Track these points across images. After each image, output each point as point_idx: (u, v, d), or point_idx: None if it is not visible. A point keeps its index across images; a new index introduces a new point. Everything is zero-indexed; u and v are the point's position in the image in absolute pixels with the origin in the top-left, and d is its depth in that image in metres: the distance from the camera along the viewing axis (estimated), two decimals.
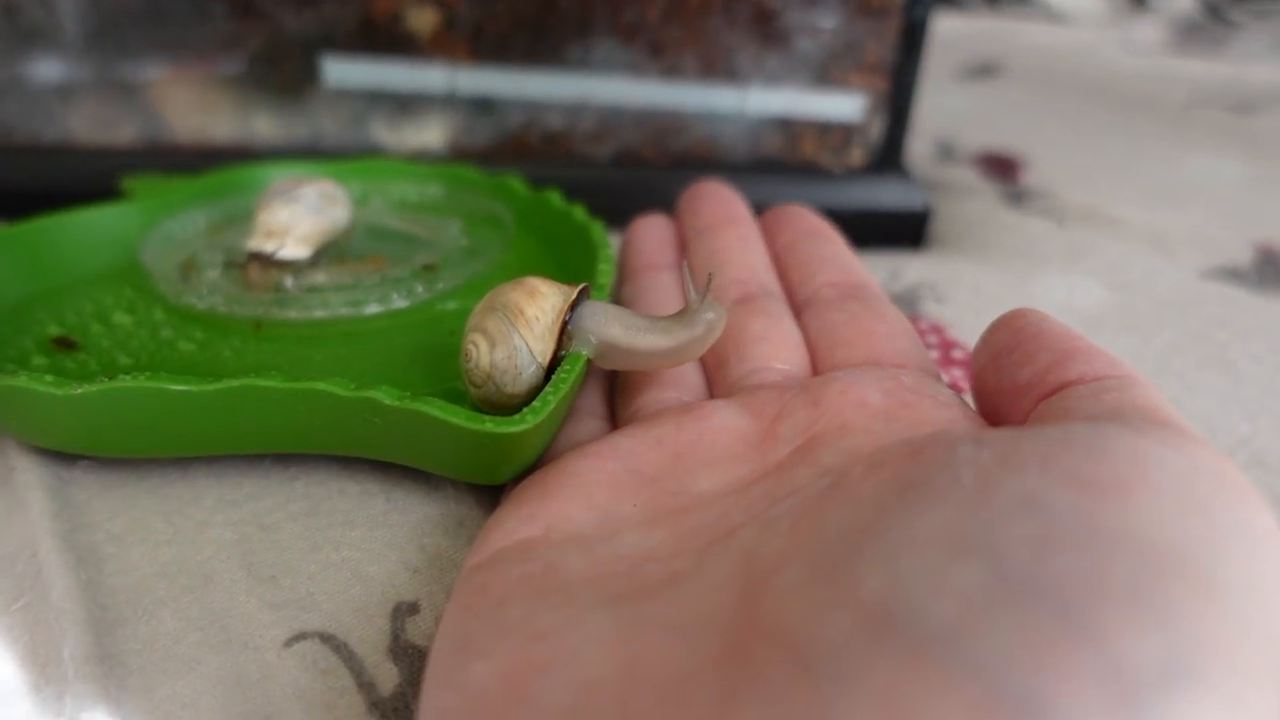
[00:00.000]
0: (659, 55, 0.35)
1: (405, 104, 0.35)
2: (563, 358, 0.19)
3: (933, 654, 0.10)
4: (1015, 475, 0.12)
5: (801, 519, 0.14)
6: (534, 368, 0.18)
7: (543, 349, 0.18)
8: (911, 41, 0.34)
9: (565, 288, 0.19)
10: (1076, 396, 0.16)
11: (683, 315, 0.20)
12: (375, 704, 0.16)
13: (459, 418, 0.17)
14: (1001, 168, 0.44)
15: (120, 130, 0.35)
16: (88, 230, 0.27)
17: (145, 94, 0.35)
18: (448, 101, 0.35)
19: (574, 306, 0.19)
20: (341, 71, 0.34)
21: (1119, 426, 0.14)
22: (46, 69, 0.34)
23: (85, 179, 0.33)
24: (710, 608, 0.13)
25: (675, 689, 0.12)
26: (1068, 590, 0.10)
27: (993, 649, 0.10)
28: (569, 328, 0.19)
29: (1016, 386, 0.17)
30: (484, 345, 0.18)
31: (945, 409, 0.18)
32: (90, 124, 0.35)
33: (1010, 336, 0.18)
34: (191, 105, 0.35)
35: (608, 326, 0.19)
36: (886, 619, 0.11)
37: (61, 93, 0.34)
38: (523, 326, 0.18)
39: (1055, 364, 0.17)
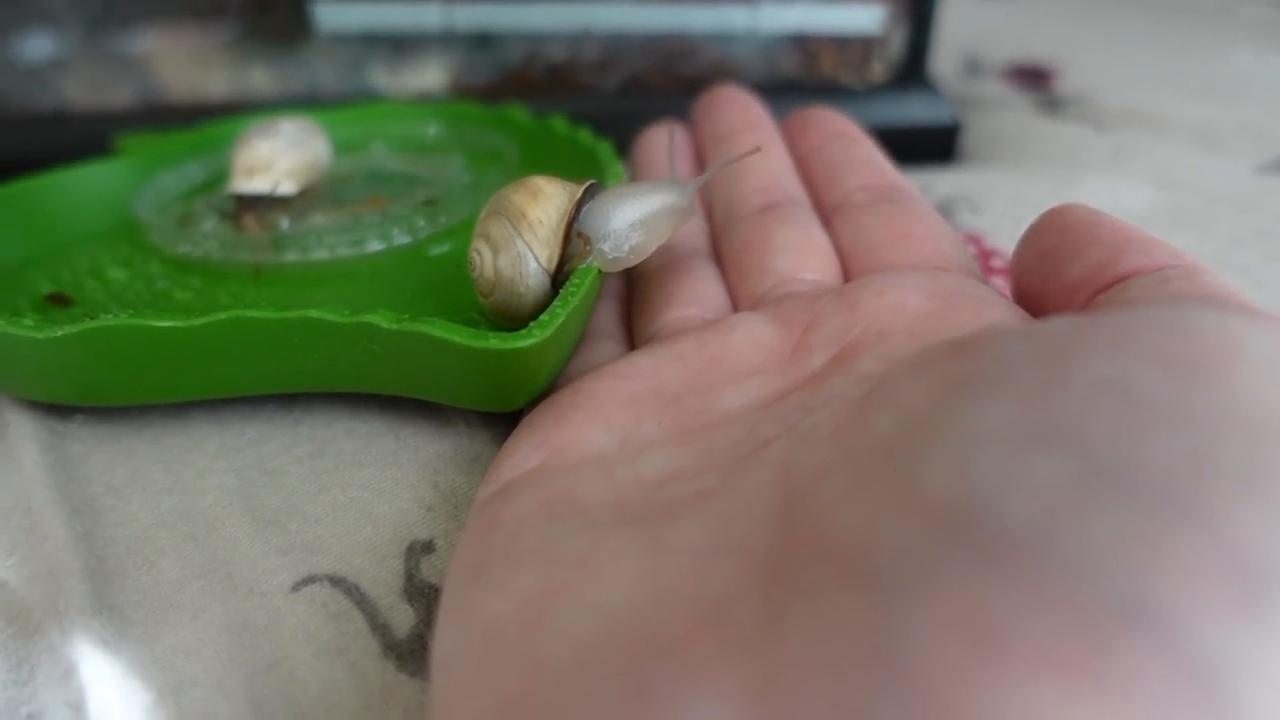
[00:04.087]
0: None
1: (402, 45, 0.34)
2: (572, 269, 0.17)
3: (1016, 555, 0.08)
4: (1090, 358, 0.10)
5: (842, 426, 0.13)
6: (539, 274, 0.17)
7: (548, 255, 0.17)
8: None
9: (571, 185, 0.18)
10: (1139, 287, 0.15)
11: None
12: (390, 646, 0.15)
13: (461, 336, 0.16)
14: (1033, 78, 0.41)
15: (115, 93, 0.34)
16: (81, 189, 0.26)
17: (139, 56, 0.34)
18: (445, 40, 0.33)
19: (579, 206, 0.17)
20: (334, 15, 0.33)
21: (1200, 305, 0.12)
22: (38, 39, 0.33)
23: (83, 144, 0.32)
24: (746, 523, 0.12)
25: (711, 611, 0.10)
26: (1171, 476, 0.09)
27: (1088, 546, 0.08)
28: (577, 229, 0.17)
29: (1067, 285, 0.16)
30: (487, 252, 0.17)
31: (993, 308, 0.16)
32: (85, 89, 0.34)
33: (1057, 234, 0.17)
34: (186, 64, 0.34)
35: (617, 210, 0.18)
36: (957, 520, 0.09)
37: (54, 61, 0.33)
38: (525, 231, 0.17)
39: (1111, 257, 0.15)
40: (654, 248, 0.18)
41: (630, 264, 0.18)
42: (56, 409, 0.20)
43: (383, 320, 0.16)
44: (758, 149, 0.21)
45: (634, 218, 0.18)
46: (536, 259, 0.17)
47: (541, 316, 0.16)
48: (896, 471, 0.10)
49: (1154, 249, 0.15)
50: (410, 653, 0.15)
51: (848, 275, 0.20)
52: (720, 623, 0.10)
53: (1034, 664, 0.08)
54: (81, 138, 0.33)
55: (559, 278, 0.18)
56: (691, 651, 0.10)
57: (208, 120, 0.30)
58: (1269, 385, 0.10)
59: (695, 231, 0.22)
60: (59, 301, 0.22)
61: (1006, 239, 0.27)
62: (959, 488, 0.09)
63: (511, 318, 0.18)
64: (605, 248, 0.18)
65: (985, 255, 0.26)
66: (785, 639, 0.09)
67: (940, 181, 0.31)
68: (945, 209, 0.29)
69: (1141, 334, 0.11)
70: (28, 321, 0.17)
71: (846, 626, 0.09)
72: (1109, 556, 0.08)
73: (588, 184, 0.18)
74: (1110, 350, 0.10)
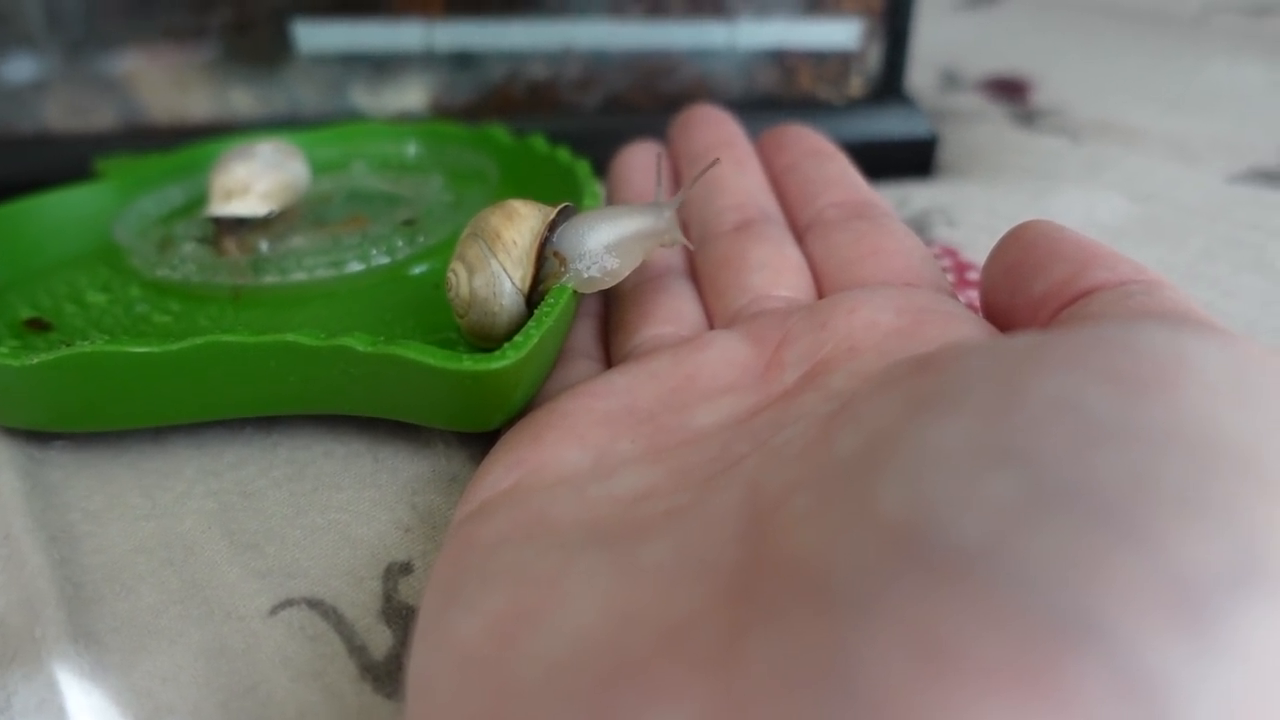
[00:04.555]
0: None
1: (382, 66, 0.34)
2: (547, 289, 0.18)
3: (965, 572, 0.09)
4: (1043, 377, 0.11)
5: (809, 444, 0.13)
6: (514, 294, 0.17)
7: (521, 274, 0.17)
8: None
9: (546, 208, 0.18)
10: (1100, 302, 0.15)
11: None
12: (368, 668, 0.15)
13: (435, 358, 0.16)
14: (1009, 90, 0.42)
15: (97, 116, 0.34)
16: (60, 212, 0.26)
17: (120, 78, 0.34)
18: (426, 60, 0.34)
19: (553, 226, 0.18)
20: (314, 36, 0.33)
21: (1154, 323, 0.12)
22: (19, 62, 0.33)
23: (64, 167, 0.32)
24: (713, 543, 0.12)
25: (677, 630, 0.11)
26: (1114, 494, 0.09)
27: (1034, 563, 0.08)
28: (551, 249, 0.18)
29: (1032, 300, 0.16)
30: (463, 273, 0.17)
31: (963, 324, 0.17)
32: (66, 112, 0.34)
33: (1022, 249, 0.17)
34: (166, 85, 0.34)
35: (592, 232, 0.18)
36: (910, 538, 0.09)
37: (35, 83, 0.33)
38: (500, 251, 0.17)
39: (1074, 273, 0.15)
40: (628, 271, 0.18)
41: (605, 286, 0.18)
42: (35, 435, 0.20)
43: (358, 343, 0.16)
44: (717, 160, 0.21)
45: (609, 240, 0.18)
46: (510, 279, 0.17)
47: (516, 337, 0.16)
48: (856, 490, 0.10)
49: (1116, 264, 0.15)
50: (388, 674, 0.15)
51: (821, 292, 0.20)
52: (684, 643, 0.10)
53: (982, 681, 0.08)
54: (63, 160, 0.33)
55: (534, 298, 0.18)
56: (655, 672, 0.10)
57: (188, 142, 0.30)
58: (1214, 402, 0.10)
59: (672, 249, 0.23)
60: (38, 327, 0.22)
61: (982, 252, 0.27)
62: (913, 506, 0.10)
63: (487, 337, 0.18)
64: (580, 268, 0.18)
65: (961, 268, 0.27)
66: (747, 659, 0.09)
67: (918, 195, 0.32)
68: (922, 222, 0.30)
69: (1094, 352, 0.11)
70: (3, 349, 0.17)
71: (805, 646, 0.09)
72: (1053, 573, 0.08)
73: (561, 206, 0.18)
74: (1063, 368, 0.11)
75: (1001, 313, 0.17)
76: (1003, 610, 0.08)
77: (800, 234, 0.22)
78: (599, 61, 0.34)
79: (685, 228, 0.24)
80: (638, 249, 0.19)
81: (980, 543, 0.09)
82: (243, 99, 0.34)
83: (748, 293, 0.20)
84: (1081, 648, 0.08)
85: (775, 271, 0.20)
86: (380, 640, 0.16)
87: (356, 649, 0.15)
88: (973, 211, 0.30)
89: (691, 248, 0.21)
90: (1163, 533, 0.08)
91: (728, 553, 0.12)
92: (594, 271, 0.18)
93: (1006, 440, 0.10)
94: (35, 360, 0.17)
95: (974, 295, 0.25)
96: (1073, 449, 0.09)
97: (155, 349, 0.17)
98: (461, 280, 0.18)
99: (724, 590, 0.11)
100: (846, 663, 0.08)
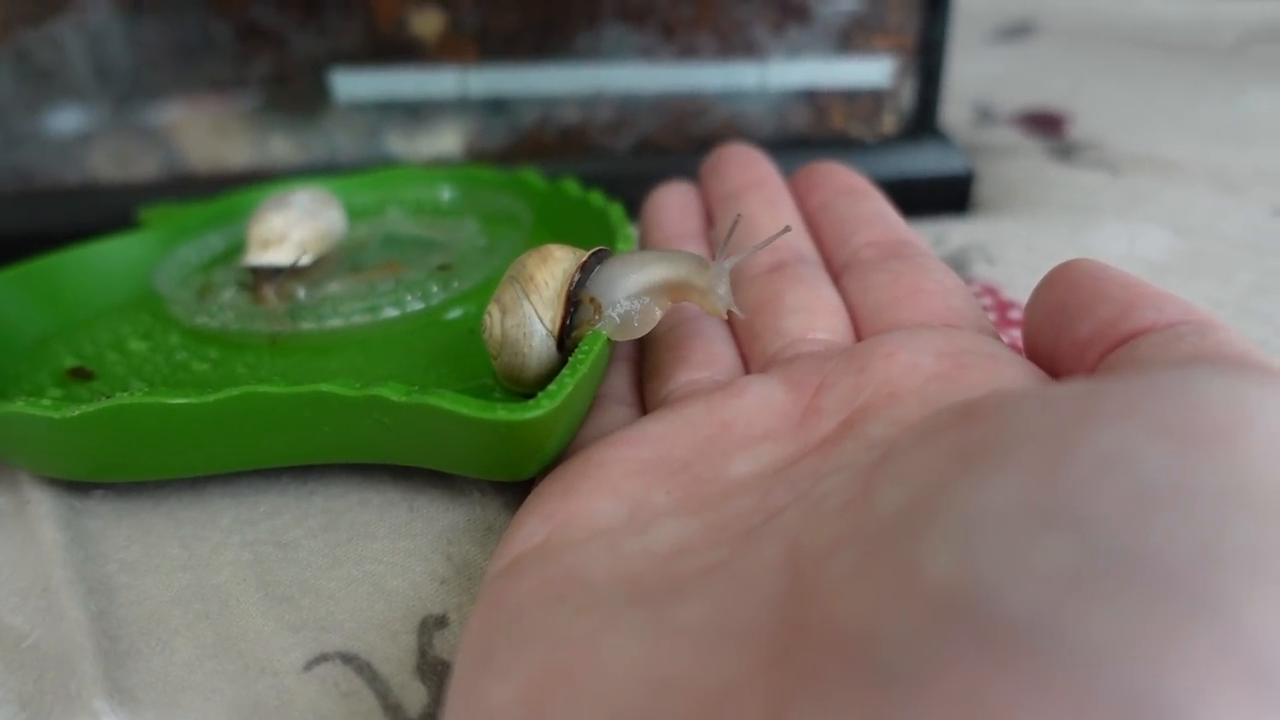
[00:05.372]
0: (672, 36, 0.33)
1: (417, 112, 0.34)
2: (581, 335, 0.17)
3: (1019, 645, 0.08)
4: (1095, 431, 0.10)
5: (849, 499, 0.13)
6: (544, 337, 0.17)
7: (551, 316, 0.17)
8: None
9: (580, 251, 0.18)
10: (1149, 345, 0.14)
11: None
12: None
13: (469, 408, 0.16)
14: (1045, 124, 0.41)
15: (140, 165, 0.35)
16: (104, 262, 0.27)
17: (163, 129, 0.35)
18: (460, 105, 0.34)
19: (585, 268, 0.18)
20: (351, 85, 0.34)
21: (1209, 370, 0.12)
22: (64, 114, 0.34)
23: (109, 217, 0.32)
24: (751, 604, 0.12)
25: (716, 700, 0.10)
26: (1177, 562, 0.08)
27: (1092, 637, 0.08)
28: (586, 294, 0.18)
29: (1077, 343, 0.15)
30: (497, 314, 0.18)
31: (1008, 368, 0.16)
32: (110, 162, 0.35)
33: (1065, 290, 0.16)
34: (208, 135, 0.35)
35: (625, 278, 0.18)
36: (958, 606, 0.09)
37: (81, 135, 0.34)
38: (533, 293, 0.17)
39: (1120, 315, 0.15)
40: (658, 318, 0.18)
41: (639, 334, 0.18)
42: (76, 485, 0.20)
43: (392, 393, 0.16)
44: (788, 229, 0.19)
45: (643, 285, 0.18)
46: (541, 320, 0.17)
47: (550, 386, 0.16)
48: (900, 552, 0.10)
49: (1164, 304, 0.15)
50: None
51: (859, 334, 0.20)
52: (722, 713, 0.10)
53: None
54: (108, 210, 0.33)
55: (565, 341, 0.18)
56: None
57: (229, 189, 0.31)
58: (1279, 457, 0.09)
59: None
60: (81, 375, 0.22)
61: (1023, 289, 0.27)
62: (960, 572, 0.09)
63: (518, 380, 0.18)
64: (615, 314, 0.18)
65: (1002, 307, 0.26)
66: None
67: (955, 232, 0.31)
68: (960, 260, 0.29)
69: (1147, 404, 0.10)
70: (46, 402, 0.17)
71: None
72: (1116, 649, 0.08)
73: (595, 250, 0.18)
74: (1115, 422, 0.10)
75: (1045, 355, 0.17)
76: (1062, 688, 0.08)
77: (836, 274, 0.22)
78: (630, 104, 0.34)
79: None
80: (672, 297, 0.18)
81: (1034, 614, 0.08)
82: (282, 147, 0.35)
83: (784, 336, 0.19)
84: None
85: (811, 314, 0.20)
86: (415, 698, 0.15)
87: (390, 706, 0.15)
88: (1012, 248, 0.30)
89: (742, 316, 0.19)
90: (1235, 604, 0.08)
91: (766, 615, 0.11)
92: (628, 318, 0.18)
93: (1057, 500, 0.09)
94: (76, 412, 0.17)
95: (1017, 335, 0.24)
96: (1128, 511, 0.09)
97: (192, 400, 0.17)
98: (495, 321, 0.18)
99: (763, 656, 0.10)
100: None
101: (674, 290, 0.18)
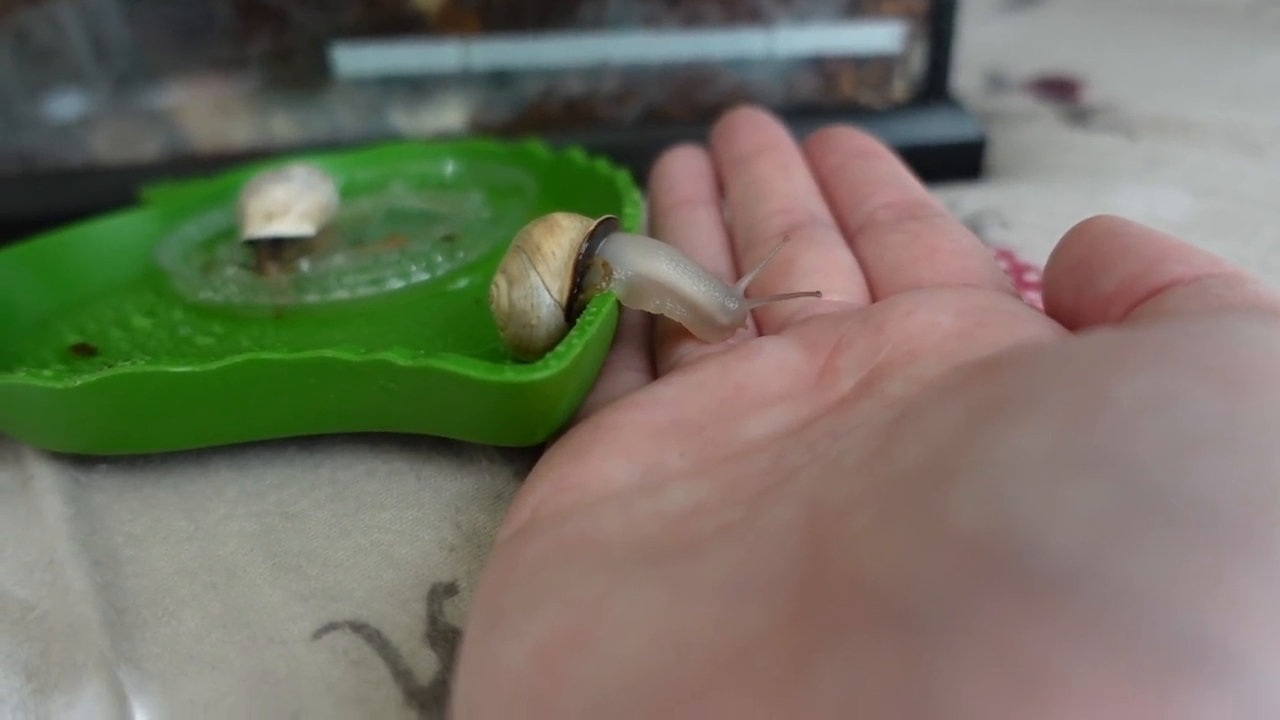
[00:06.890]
0: (676, 4, 0.33)
1: (420, 86, 0.34)
2: (588, 299, 0.17)
3: (1059, 590, 0.08)
4: (1128, 375, 0.10)
5: (868, 456, 0.12)
6: (552, 306, 0.17)
7: (559, 286, 0.17)
8: None
9: (587, 220, 0.18)
10: (1178, 297, 0.14)
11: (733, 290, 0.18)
12: (413, 694, 0.15)
13: (476, 370, 0.15)
14: (1059, 89, 0.40)
15: (142, 146, 0.35)
16: (106, 240, 0.26)
17: (164, 109, 0.34)
18: (463, 79, 0.34)
19: (592, 237, 0.17)
20: (353, 59, 0.33)
21: (1244, 317, 0.11)
22: (68, 97, 0.34)
23: (112, 197, 0.32)
24: (770, 561, 0.11)
25: (736, 656, 0.10)
26: (1224, 502, 0.08)
27: (1134, 579, 0.08)
28: (599, 258, 0.17)
29: (1100, 299, 0.15)
30: (504, 285, 0.17)
31: (1029, 324, 0.16)
32: (113, 143, 0.35)
33: (1087, 245, 0.16)
34: (210, 114, 0.35)
35: (646, 259, 0.17)
36: (991, 555, 0.08)
37: (84, 117, 0.34)
38: (539, 263, 0.17)
39: (1145, 269, 0.14)
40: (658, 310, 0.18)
41: (647, 307, 0.18)
42: (80, 459, 0.20)
43: (397, 357, 0.16)
44: (818, 293, 0.18)
45: (661, 278, 0.17)
46: (549, 291, 0.17)
47: (558, 347, 0.16)
48: (924, 504, 0.10)
49: (1191, 257, 0.14)
50: (434, 700, 0.14)
51: (874, 295, 0.19)
52: (744, 670, 0.09)
53: (1085, 712, 0.07)
54: (110, 190, 0.33)
55: (573, 310, 0.17)
56: (713, 702, 0.09)
57: (231, 168, 0.31)
58: None
59: (718, 254, 0.22)
60: (84, 352, 0.22)
61: (1039, 253, 0.26)
62: (992, 519, 0.09)
63: (527, 350, 0.18)
64: (625, 278, 0.17)
65: (1018, 270, 0.26)
66: (813, 686, 0.09)
67: (968, 198, 0.31)
68: (974, 225, 0.29)
69: (1185, 348, 0.10)
70: (47, 373, 0.17)
71: (876, 671, 0.08)
72: (1162, 591, 0.07)
73: (603, 218, 0.18)
74: (1153, 366, 0.10)
75: (1066, 313, 0.16)
76: (1105, 632, 0.07)
77: (851, 237, 0.21)
78: (636, 74, 0.34)
79: (730, 232, 0.23)
80: (682, 306, 0.18)
81: (1074, 558, 0.08)
82: (284, 124, 0.35)
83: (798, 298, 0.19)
84: (1200, 675, 0.07)
85: (826, 276, 0.19)
86: (425, 665, 0.15)
87: (401, 674, 0.15)
88: (1027, 212, 0.29)
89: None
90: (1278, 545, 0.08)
91: (786, 571, 0.11)
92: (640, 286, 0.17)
93: (1093, 445, 0.09)
94: (78, 383, 0.17)
95: (1035, 298, 0.24)
96: (1170, 453, 0.09)
97: (195, 368, 0.16)
98: (502, 292, 0.17)
99: (783, 612, 0.10)
100: (925, 689, 0.08)
101: (685, 303, 0.18)
